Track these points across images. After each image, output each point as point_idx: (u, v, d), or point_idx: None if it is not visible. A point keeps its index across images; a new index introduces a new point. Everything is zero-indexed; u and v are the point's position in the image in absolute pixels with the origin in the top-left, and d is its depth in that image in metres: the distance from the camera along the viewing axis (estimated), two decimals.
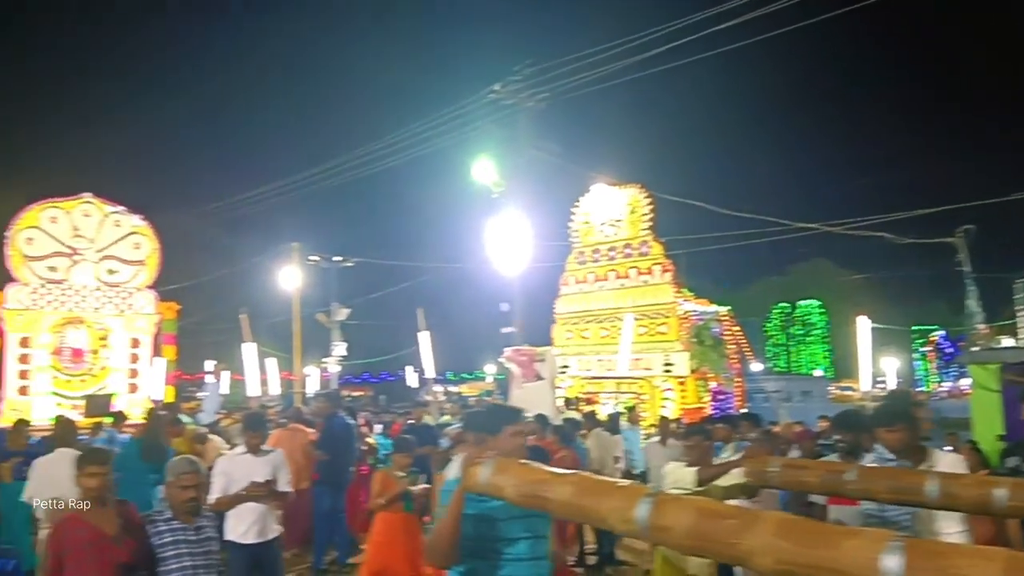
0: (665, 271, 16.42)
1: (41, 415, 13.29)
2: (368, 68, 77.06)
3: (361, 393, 41.12)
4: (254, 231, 45.88)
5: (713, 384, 16.77)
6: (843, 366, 70.54)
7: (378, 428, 12.50)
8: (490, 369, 44.98)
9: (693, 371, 15.94)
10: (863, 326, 13.20)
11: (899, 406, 4.01)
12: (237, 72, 75.64)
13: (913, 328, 70.77)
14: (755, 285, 36.82)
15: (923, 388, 70.12)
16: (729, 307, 18.31)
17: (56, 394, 14.37)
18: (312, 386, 29.52)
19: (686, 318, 16.23)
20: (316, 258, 28.91)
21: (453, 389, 39.02)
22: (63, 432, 6.30)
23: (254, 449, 5.52)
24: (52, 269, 14.62)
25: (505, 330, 15.87)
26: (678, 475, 5.08)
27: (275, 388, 24.12)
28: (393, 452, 6.62)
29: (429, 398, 23.84)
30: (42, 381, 14.42)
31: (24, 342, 14.33)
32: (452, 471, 4.42)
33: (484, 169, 16.35)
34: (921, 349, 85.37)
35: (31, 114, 62.67)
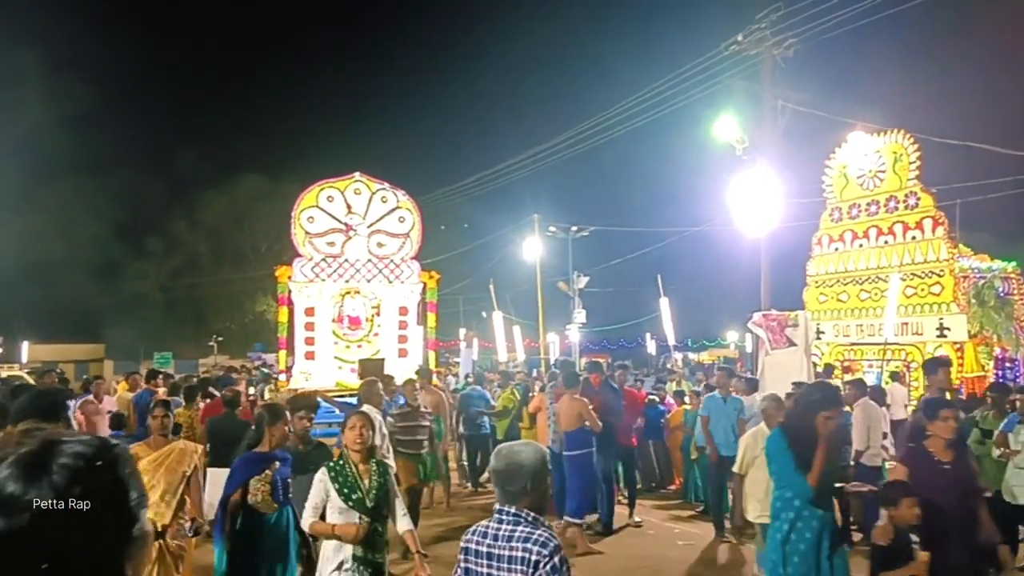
0: (937, 225, 14.70)
1: (323, 379, 14.89)
2: (602, 30, 76.63)
3: (600, 361, 41.59)
4: (498, 205, 47.97)
5: (997, 350, 14.84)
6: None
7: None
8: (732, 336, 43.38)
9: (973, 336, 14.19)
10: None
11: None
12: (475, 58, 78.95)
13: None
14: None
15: None
16: (1015, 262, 16.05)
17: (337, 358, 15.98)
18: (553, 353, 30.44)
19: (965, 276, 14.47)
20: (554, 228, 29.64)
21: (692, 356, 38.23)
22: (368, 393, 7.47)
23: None
24: (331, 244, 16.12)
25: None
26: None
27: (520, 354, 25.18)
28: None
29: (670, 365, 23.62)
30: (325, 347, 16.04)
31: (309, 311, 16.02)
32: None
33: (726, 126, 15.65)
34: None
35: (312, 105, 70.39)
